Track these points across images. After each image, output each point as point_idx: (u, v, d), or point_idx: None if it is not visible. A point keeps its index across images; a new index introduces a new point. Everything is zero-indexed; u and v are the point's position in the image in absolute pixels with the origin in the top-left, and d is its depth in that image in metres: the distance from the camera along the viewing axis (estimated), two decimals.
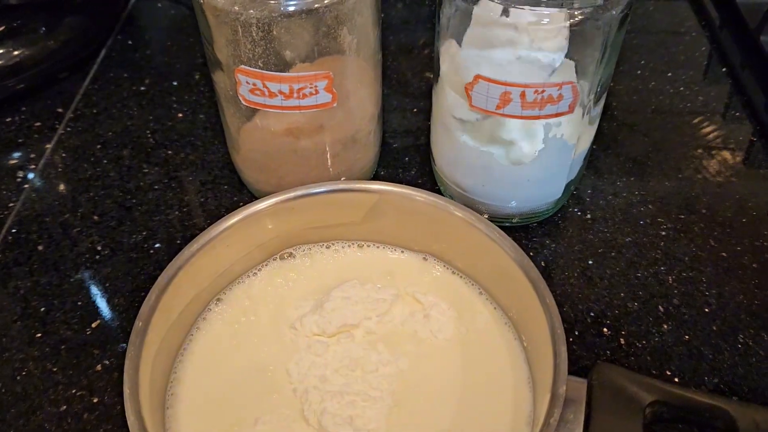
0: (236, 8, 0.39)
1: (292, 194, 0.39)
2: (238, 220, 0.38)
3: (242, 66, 0.41)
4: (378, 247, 0.42)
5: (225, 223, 0.38)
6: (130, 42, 0.66)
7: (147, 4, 0.71)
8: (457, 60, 0.43)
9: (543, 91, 0.40)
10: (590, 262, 0.47)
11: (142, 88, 0.61)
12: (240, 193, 0.52)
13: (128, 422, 0.29)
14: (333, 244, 0.43)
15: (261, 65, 0.41)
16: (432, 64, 0.63)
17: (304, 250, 0.42)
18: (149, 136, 0.56)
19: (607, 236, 0.49)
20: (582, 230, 0.49)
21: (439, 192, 0.50)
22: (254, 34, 0.40)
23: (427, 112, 0.57)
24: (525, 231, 0.49)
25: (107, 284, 0.46)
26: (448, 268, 0.42)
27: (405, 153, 0.55)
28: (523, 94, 0.40)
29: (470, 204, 0.47)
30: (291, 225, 0.41)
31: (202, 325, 0.39)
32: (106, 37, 0.66)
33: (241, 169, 0.50)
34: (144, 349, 0.32)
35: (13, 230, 0.49)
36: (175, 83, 0.61)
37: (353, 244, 0.43)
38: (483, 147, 0.44)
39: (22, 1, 0.58)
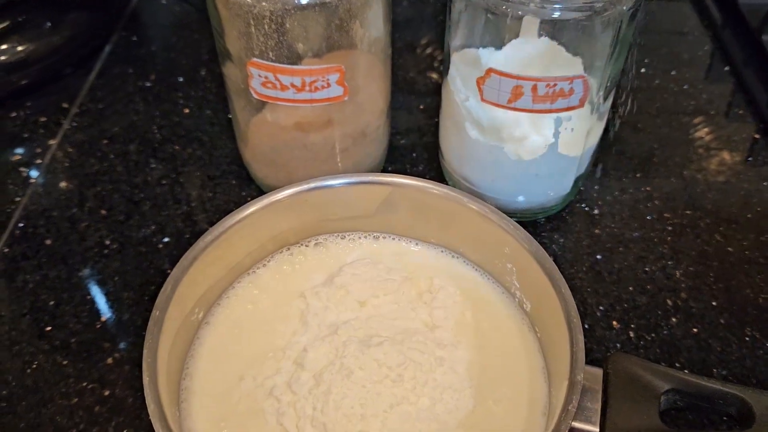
0: (249, 1, 0.39)
1: (306, 186, 0.40)
2: (253, 211, 0.38)
3: (254, 59, 0.41)
4: (393, 238, 0.43)
5: (240, 214, 0.38)
6: (134, 38, 0.66)
7: (150, 1, 0.71)
8: (469, 54, 0.43)
9: (555, 85, 0.40)
10: (599, 257, 0.47)
11: (148, 84, 0.61)
12: (248, 188, 0.51)
13: (149, 410, 0.29)
14: (348, 235, 0.43)
15: (273, 58, 0.41)
16: (436, 63, 0.63)
17: (319, 240, 0.42)
18: (156, 131, 0.56)
19: (615, 231, 0.49)
20: (589, 225, 0.49)
21: None
22: (267, 27, 0.39)
23: (432, 110, 0.57)
24: (533, 226, 0.49)
25: (116, 278, 0.46)
26: (462, 260, 0.42)
27: (412, 149, 0.55)
28: (534, 88, 0.40)
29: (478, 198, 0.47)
30: (305, 217, 0.41)
31: (210, 319, 0.39)
32: (110, 33, 0.66)
33: (250, 163, 0.50)
34: (161, 338, 0.32)
35: (21, 224, 0.49)
36: (180, 79, 0.61)
37: (369, 235, 0.43)
38: (493, 142, 0.44)
39: None
